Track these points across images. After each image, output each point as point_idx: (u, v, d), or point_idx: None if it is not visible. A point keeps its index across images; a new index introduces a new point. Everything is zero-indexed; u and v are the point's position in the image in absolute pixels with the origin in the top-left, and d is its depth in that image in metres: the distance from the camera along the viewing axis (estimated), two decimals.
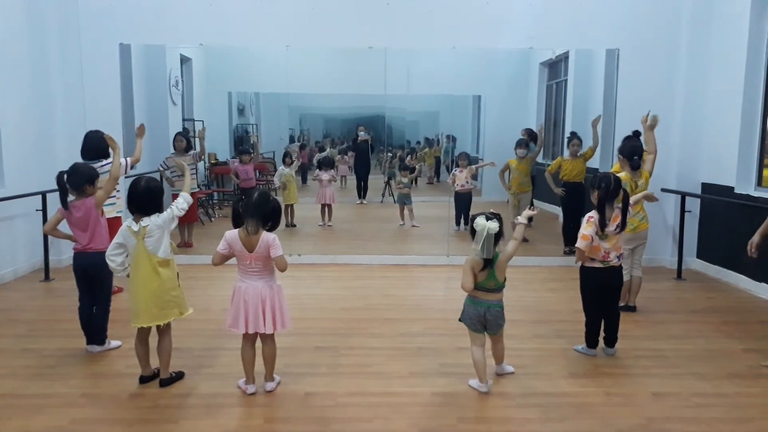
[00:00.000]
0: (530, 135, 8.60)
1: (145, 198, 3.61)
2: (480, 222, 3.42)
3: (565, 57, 9.41)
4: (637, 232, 5.04)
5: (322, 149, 12.43)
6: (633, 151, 5.03)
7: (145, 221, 3.57)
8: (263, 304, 3.45)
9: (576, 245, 4.05)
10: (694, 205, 6.80)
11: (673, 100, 6.84)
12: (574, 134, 7.44)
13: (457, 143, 11.92)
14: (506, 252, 3.58)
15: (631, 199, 4.30)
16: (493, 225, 3.40)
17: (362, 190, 11.16)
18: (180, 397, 3.54)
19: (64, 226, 4.20)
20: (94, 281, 4.13)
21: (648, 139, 5.26)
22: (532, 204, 7.77)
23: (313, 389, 3.65)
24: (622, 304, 5.02)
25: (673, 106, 6.82)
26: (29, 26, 6.43)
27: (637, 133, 5.39)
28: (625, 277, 4.94)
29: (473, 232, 3.48)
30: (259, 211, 3.37)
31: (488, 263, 3.50)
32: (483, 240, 3.40)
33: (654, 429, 3.24)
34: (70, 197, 4.14)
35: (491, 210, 3.55)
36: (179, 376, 3.76)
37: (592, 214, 4.05)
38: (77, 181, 4.09)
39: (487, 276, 3.54)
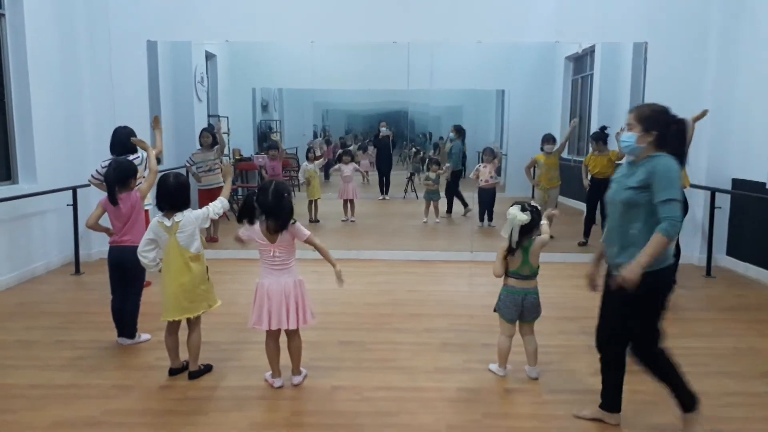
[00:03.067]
0: (458, 131, 8.75)
1: (176, 194, 3.66)
2: (512, 211, 3.56)
3: (591, 51, 9.30)
4: None
5: (345, 145, 12.45)
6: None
7: (178, 216, 3.62)
8: (287, 300, 3.47)
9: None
10: (724, 201, 6.68)
11: (702, 93, 6.71)
12: (597, 134, 7.42)
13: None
14: (539, 239, 3.66)
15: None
16: (522, 216, 3.50)
17: (385, 186, 11.16)
18: (208, 390, 3.59)
19: (103, 220, 4.30)
20: (128, 274, 4.21)
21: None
22: (555, 205, 7.79)
23: (339, 383, 3.68)
24: None
25: (703, 100, 6.68)
26: (59, 24, 6.55)
27: None
28: None
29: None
30: (280, 212, 3.38)
31: (510, 252, 3.61)
32: (510, 227, 3.54)
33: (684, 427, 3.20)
34: None
35: (530, 202, 3.65)
36: (207, 368, 3.82)
37: None
38: (124, 176, 4.19)
39: (522, 262, 3.63)
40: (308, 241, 3.56)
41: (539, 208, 3.65)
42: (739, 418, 3.30)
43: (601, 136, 7.40)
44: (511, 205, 3.62)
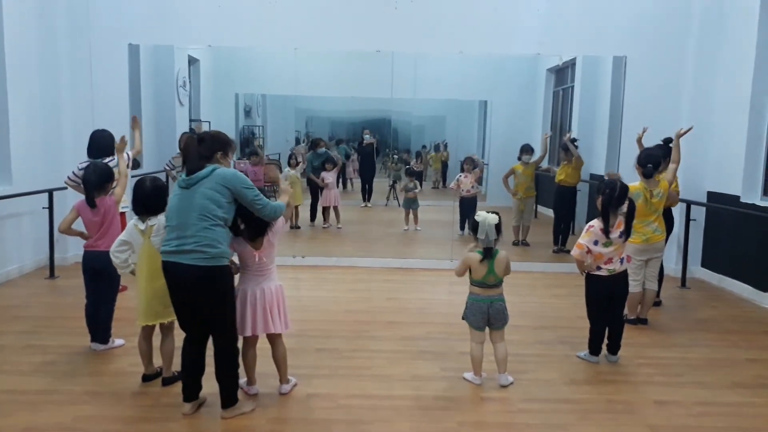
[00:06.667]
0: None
1: (151, 198, 3.64)
2: (481, 214, 3.73)
3: (572, 63, 9.41)
4: (650, 244, 4.90)
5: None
6: (647, 159, 4.90)
7: (152, 220, 3.61)
8: (270, 305, 3.45)
9: (571, 253, 4.20)
10: (699, 214, 6.78)
11: (679, 107, 6.82)
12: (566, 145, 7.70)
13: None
14: (505, 253, 3.77)
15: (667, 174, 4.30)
16: (492, 216, 3.69)
17: (367, 193, 11.18)
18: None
19: (77, 224, 4.25)
20: (102, 279, 4.15)
21: (674, 149, 5.09)
22: (535, 215, 8.02)
23: (315, 391, 3.66)
24: (632, 317, 4.98)
25: (680, 114, 6.80)
26: (39, 26, 6.47)
27: (667, 141, 5.27)
28: (636, 288, 4.90)
29: (475, 226, 3.73)
30: (259, 218, 3.36)
31: (488, 254, 3.68)
32: (485, 229, 3.66)
33: None
34: None
35: (490, 210, 3.79)
36: (181, 375, 3.76)
37: (593, 223, 4.07)
38: (102, 179, 4.16)
39: (487, 272, 3.70)
40: (283, 216, 3.50)
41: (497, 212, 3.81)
42: (710, 428, 3.34)
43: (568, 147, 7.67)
44: (475, 214, 3.80)
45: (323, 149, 9.88)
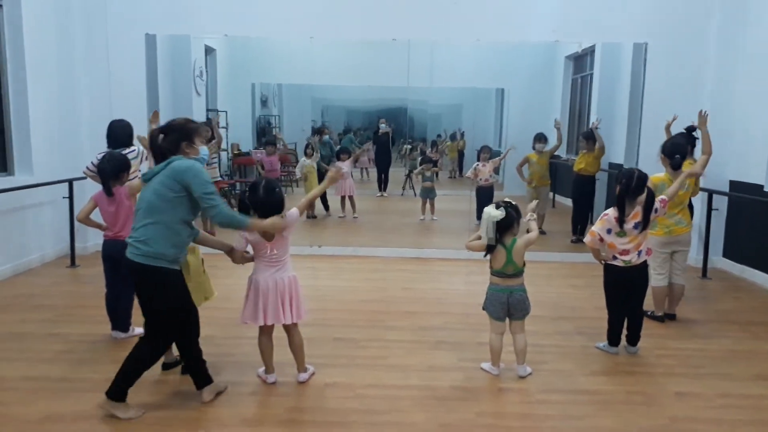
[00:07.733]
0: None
1: None
2: (486, 210, 3.62)
3: (591, 51, 9.27)
4: (674, 236, 4.73)
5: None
6: (674, 149, 4.70)
7: None
8: (282, 295, 3.46)
9: (584, 240, 4.21)
10: (721, 203, 6.67)
11: (701, 95, 6.69)
12: (587, 133, 7.66)
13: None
14: (525, 238, 3.70)
15: (670, 190, 4.22)
16: (495, 212, 3.56)
17: (383, 183, 11.15)
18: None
19: (95, 215, 4.29)
20: (121, 268, 4.18)
21: (703, 139, 4.87)
22: (553, 204, 7.94)
23: (332, 380, 3.67)
24: (659, 313, 4.86)
25: (701, 102, 6.64)
26: (56, 17, 6.52)
27: (690, 129, 4.98)
28: (661, 282, 4.76)
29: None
30: (272, 207, 3.35)
31: (489, 250, 3.66)
32: (485, 226, 3.58)
33: (676, 429, 3.20)
34: None
35: (505, 199, 3.69)
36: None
37: (608, 211, 4.02)
38: (117, 169, 4.19)
39: (505, 262, 3.65)
40: (301, 210, 3.53)
41: (514, 203, 3.67)
42: (732, 420, 3.29)
43: (590, 135, 7.54)
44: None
45: (327, 137, 9.88)
